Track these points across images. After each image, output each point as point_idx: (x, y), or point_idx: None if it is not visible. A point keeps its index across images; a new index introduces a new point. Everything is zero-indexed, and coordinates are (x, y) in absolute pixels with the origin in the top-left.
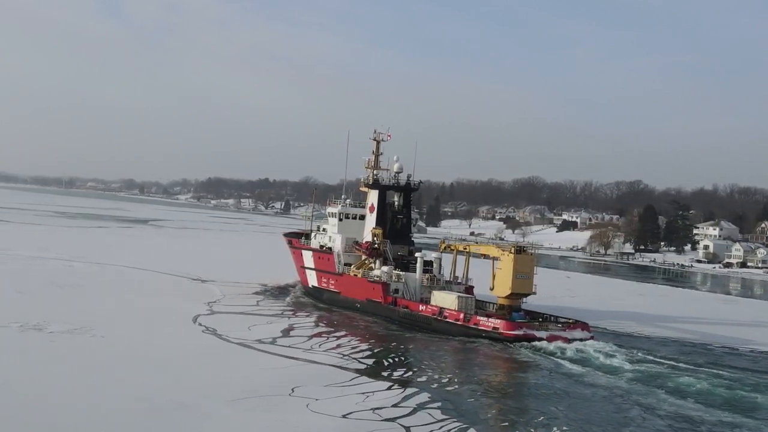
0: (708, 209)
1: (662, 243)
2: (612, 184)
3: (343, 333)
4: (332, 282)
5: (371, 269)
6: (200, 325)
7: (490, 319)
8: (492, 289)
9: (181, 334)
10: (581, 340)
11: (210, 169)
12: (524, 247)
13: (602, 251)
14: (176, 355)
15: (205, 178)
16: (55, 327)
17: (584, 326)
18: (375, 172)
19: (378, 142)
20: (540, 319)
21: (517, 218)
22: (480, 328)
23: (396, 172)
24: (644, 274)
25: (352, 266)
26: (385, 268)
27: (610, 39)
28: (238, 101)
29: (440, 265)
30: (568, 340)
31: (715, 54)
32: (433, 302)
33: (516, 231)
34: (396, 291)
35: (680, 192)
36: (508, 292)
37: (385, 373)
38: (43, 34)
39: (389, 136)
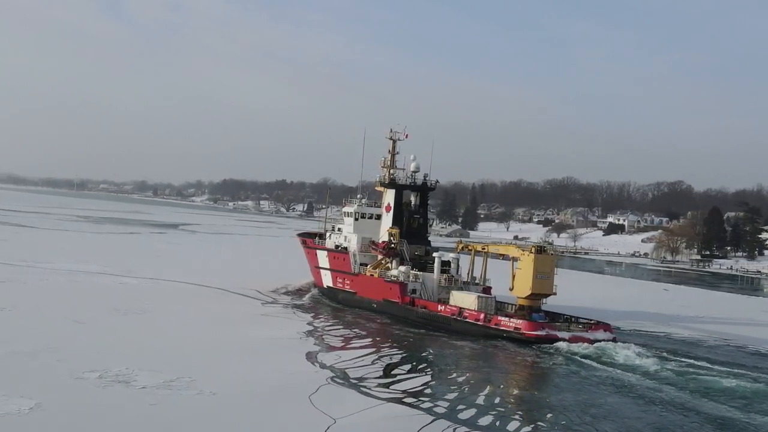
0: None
1: (728, 248)
2: (653, 185)
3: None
4: (348, 282)
5: (388, 269)
6: (316, 362)
7: (511, 320)
8: (512, 290)
9: (312, 380)
10: (604, 341)
11: (221, 171)
12: (544, 246)
13: (669, 257)
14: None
15: (219, 180)
16: (143, 378)
17: (606, 327)
18: (391, 171)
19: (394, 141)
20: (568, 320)
21: (557, 220)
22: (501, 328)
23: (413, 172)
24: (734, 284)
25: (369, 266)
26: (402, 268)
27: (610, 39)
28: (241, 101)
29: (458, 265)
30: (591, 341)
31: (717, 53)
32: (452, 302)
33: (562, 234)
34: (413, 291)
35: (722, 192)
36: (529, 292)
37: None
38: (49, 35)
39: (406, 135)
